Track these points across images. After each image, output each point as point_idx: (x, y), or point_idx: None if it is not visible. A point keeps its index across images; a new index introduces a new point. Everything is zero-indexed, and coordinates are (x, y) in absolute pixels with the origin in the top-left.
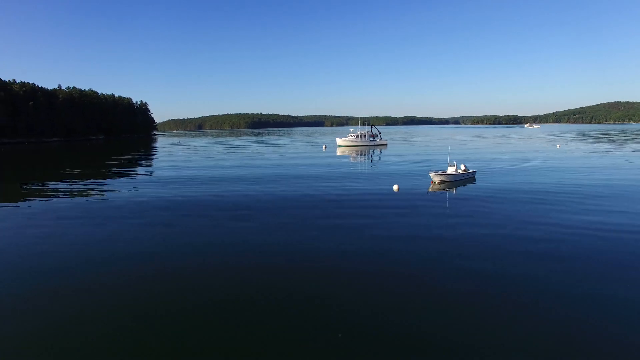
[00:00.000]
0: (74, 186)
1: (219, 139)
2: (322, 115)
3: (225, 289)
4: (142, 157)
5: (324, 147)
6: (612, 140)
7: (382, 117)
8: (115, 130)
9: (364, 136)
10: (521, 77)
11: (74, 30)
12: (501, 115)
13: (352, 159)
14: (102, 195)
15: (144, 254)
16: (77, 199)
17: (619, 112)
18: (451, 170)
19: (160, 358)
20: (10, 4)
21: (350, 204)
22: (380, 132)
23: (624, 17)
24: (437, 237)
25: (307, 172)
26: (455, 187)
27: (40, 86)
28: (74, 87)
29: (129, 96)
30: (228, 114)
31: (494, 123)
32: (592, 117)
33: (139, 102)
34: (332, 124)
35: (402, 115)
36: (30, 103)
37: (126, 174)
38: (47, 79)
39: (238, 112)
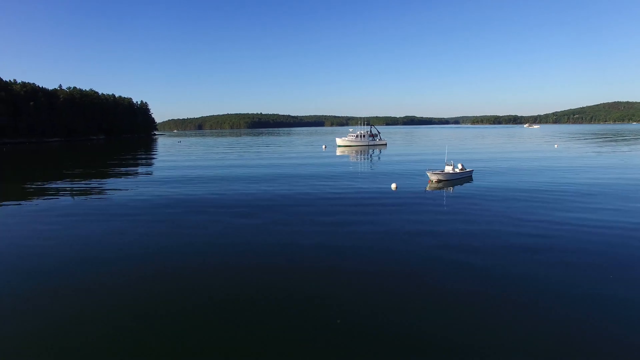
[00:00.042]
0: (75, 186)
1: (219, 139)
2: (322, 115)
3: (225, 289)
4: (143, 157)
5: (323, 147)
6: (610, 140)
7: (382, 117)
8: (116, 130)
9: (364, 136)
10: (521, 77)
11: (74, 30)
12: (501, 115)
13: (351, 159)
14: (103, 195)
15: (144, 254)
16: (77, 199)
17: (618, 112)
18: (448, 169)
19: (160, 358)
20: (10, 4)
21: (349, 203)
22: (379, 132)
23: (624, 17)
24: (436, 235)
25: (306, 172)
26: (453, 186)
27: (41, 86)
28: (74, 87)
29: (129, 96)
30: (228, 114)
31: (493, 123)
32: (592, 117)
33: (139, 102)
34: (332, 124)
35: (402, 115)
36: (31, 103)
37: (127, 174)
38: (48, 79)
39: (238, 112)
